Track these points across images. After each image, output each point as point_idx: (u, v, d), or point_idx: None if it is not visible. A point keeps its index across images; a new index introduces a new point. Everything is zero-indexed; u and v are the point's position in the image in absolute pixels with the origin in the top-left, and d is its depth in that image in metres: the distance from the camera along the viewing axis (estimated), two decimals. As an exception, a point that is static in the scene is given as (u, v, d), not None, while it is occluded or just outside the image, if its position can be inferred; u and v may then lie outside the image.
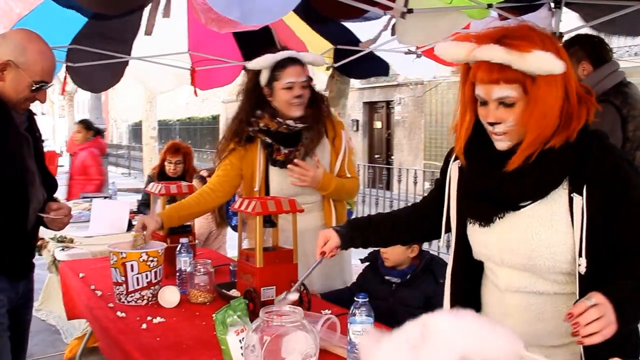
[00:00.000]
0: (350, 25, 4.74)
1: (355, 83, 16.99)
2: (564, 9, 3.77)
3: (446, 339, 1.33)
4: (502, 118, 1.59)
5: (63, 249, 3.83)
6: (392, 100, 18.32)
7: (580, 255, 1.56)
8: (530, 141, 1.57)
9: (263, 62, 2.79)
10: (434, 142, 17.37)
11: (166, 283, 2.62)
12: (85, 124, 7.10)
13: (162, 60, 5.03)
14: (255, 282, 2.30)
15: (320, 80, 5.36)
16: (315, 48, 5.06)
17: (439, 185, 1.95)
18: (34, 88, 2.21)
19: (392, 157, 18.55)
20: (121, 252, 2.48)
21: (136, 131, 30.23)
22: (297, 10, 3.46)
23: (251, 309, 2.19)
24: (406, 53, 5.02)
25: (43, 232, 2.86)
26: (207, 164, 11.11)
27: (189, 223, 3.00)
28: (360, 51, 5.10)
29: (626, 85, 3.08)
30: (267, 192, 2.87)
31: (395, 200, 9.20)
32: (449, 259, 1.90)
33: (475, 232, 1.76)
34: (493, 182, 1.65)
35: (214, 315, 1.91)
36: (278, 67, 2.77)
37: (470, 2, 3.51)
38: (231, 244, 4.71)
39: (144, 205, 5.13)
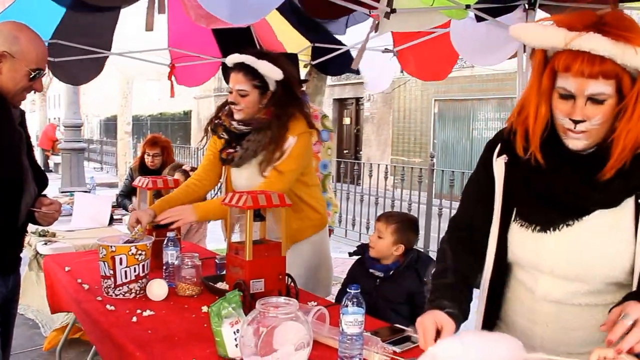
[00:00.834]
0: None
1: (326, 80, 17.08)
2: (538, 11, 3.88)
3: None
4: (589, 116, 1.44)
5: (46, 243, 3.83)
6: (361, 97, 18.50)
7: None
8: (630, 146, 1.43)
9: (228, 60, 2.88)
10: (401, 138, 17.59)
11: (152, 277, 2.64)
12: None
13: (141, 56, 5.03)
14: (244, 274, 2.35)
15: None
16: (294, 45, 5.11)
17: (484, 192, 1.74)
18: (32, 76, 2.22)
19: (361, 152, 18.73)
20: (111, 246, 2.50)
21: (108, 126, 29.98)
22: (281, 10, 3.50)
23: (241, 301, 2.23)
24: (383, 51, 5.10)
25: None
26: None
27: (174, 217, 3.04)
28: (338, 49, 5.17)
29: None
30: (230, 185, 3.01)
31: (365, 195, 9.29)
32: (487, 261, 1.74)
33: (524, 237, 1.62)
34: (575, 188, 1.52)
35: (209, 307, 1.96)
36: (230, 69, 2.86)
37: (450, 2, 3.60)
38: (211, 238, 4.75)
39: (123, 196, 5.16)
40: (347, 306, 1.81)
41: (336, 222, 9.27)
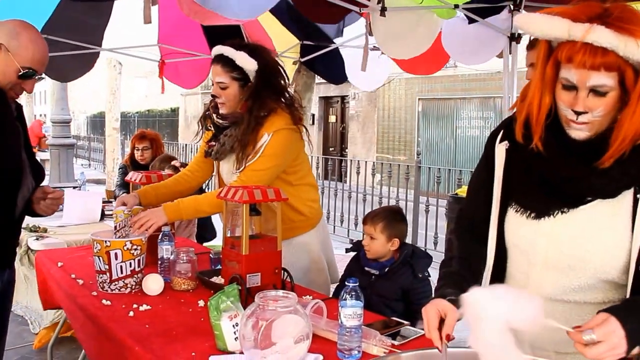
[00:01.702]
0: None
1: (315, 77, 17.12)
2: (523, 12, 3.93)
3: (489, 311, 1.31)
4: (591, 107, 1.43)
5: (37, 239, 3.82)
6: (346, 95, 18.55)
7: None
8: (630, 138, 1.43)
9: (212, 52, 2.84)
10: (386, 136, 17.66)
11: (147, 272, 2.65)
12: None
13: (131, 52, 5.03)
14: (241, 269, 2.38)
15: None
16: (283, 43, 5.14)
17: (486, 180, 1.74)
18: (20, 74, 2.21)
19: (346, 150, 18.79)
20: (105, 241, 2.51)
21: (95, 122, 29.80)
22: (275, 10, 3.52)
23: (238, 295, 2.26)
24: (371, 49, 5.12)
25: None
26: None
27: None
28: (326, 47, 5.19)
29: None
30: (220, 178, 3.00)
31: (353, 193, 9.34)
32: (489, 250, 1.72)
33: (521, 223, 1.62)
34: (576, 174, 1.52)
35: (207, 301, 1.98)
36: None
37: (439, 2, 3.65)
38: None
39: (121, 187, 5.17)
40: (345, 299, 1.84)
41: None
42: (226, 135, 2.79)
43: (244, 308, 1.88)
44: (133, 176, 3.05)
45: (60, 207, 4.41)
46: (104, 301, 2.42)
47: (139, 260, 2.57)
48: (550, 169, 1.56)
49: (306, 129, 2.91)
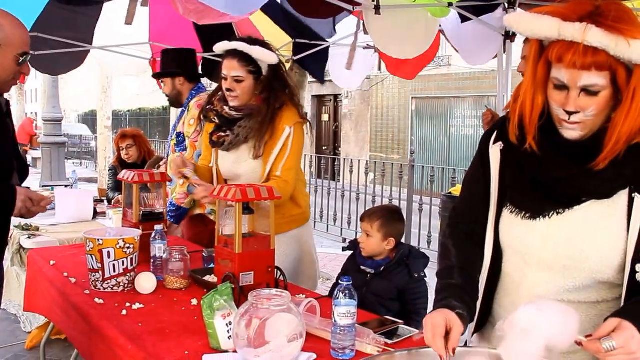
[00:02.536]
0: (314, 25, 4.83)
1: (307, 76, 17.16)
2: (518, 10, 3.94)
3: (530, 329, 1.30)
4: (583, 107, 1.42)
5: (29, 237, 3.80)
6: (339, 94, 18.53)
7: (638, 262, 1.44)
8: (624, 139, 1.42)
9: (217, 47, 2.91)
10: (379, 135, 17.68)
11: (140, 270, 2.64)
12: None
13: (123, 50, 5.01)
14: (234, 267, 2.37)
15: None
16: (275, 41, 5.09)
17: (480, 181, 1.73)
18: (20, 61, 2.20)
19: (339, 149, 18.80)
20: (98, 239, 2.50)
21: (86, 121, 29.71)
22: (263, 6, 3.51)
23: (231, 293, 2.25)
24: (365, 48, 5.14)
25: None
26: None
27: (160, 210, 3.05)
28: (319, 45, 5.20)
29: None
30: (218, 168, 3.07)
31: (347, 192, 9.34)
32: (486, 252, 1.72)
33: (515, 224, 1.61)
34: (569, 175, 1.51)
35: (201, 299, 1.97)
36: (223, 57, 2.88)
37: (433, 0, 3.65)
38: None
39: (113, 190, 5.16)
40: (339, 298, 1.84)
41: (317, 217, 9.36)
42: (240, 127, 2.85)
43: (238, 307, 1.88)
44: (126, 175, 3.04)
45: (52, 205, 4.42)
46: (96, 300, 2.41)
47: (131, 259, 2.56)
48: (543, 169, 1.55)
49: (310, 124, 3.02)
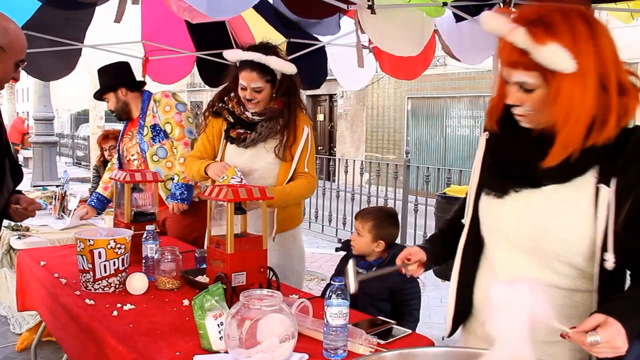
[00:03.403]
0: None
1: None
2: (513, 10, 3.93)
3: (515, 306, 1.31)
4: (520, 101, 1.53)
5: (19, 238, 3.77)
6: (335, 94, 18.52)
7: (605, 250, 1.50)
8: (566, 137, 1.49)
9: (232, 56, 3.00)
10: (375, 135, 17.67)
11: (131, 271, 2.62)
12: None
13: (115, 49, 4.98)
14: (226, 268, 2.35)
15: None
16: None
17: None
18: (18, 67, 2.19)
19: (335, 149, 18.79)
20: (88, 239, 2.48)
21: (79, 120, 29.62)
22: (256, 6, 3.49)
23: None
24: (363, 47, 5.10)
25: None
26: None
27: (153, 210, 3.03)
28: (313, 45, 5.16)
29: None
30: None
31: (342, 192, 9.33)
32: (464, 232, 1.85)
33: (488, 204, 1.72)
34: (524, 159, 1.60)
35: (192, 300, 1.95)
36: (239, 66, 2.96)
37: (428, 0, 3.64)
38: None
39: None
40: (331, 298, 1.83)
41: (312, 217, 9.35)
42: (262, 126, 2.98)
43: (229, 307, 1.87)
44: (118, 174, 3.02)
45: (43, 205, 4.38)
46: (87, 300, 2.39)
47: (123, 259, 2.54)
48: (504, 152, 1.68)
49: (312, 125, 3.17)
